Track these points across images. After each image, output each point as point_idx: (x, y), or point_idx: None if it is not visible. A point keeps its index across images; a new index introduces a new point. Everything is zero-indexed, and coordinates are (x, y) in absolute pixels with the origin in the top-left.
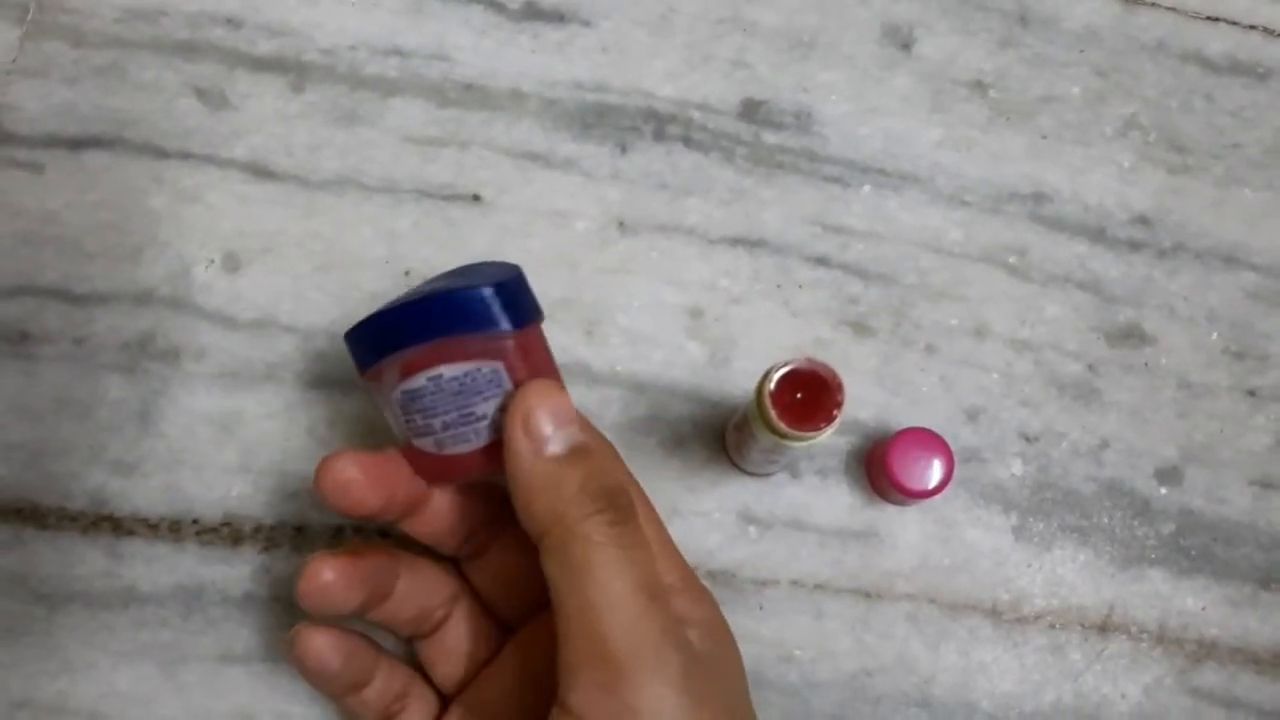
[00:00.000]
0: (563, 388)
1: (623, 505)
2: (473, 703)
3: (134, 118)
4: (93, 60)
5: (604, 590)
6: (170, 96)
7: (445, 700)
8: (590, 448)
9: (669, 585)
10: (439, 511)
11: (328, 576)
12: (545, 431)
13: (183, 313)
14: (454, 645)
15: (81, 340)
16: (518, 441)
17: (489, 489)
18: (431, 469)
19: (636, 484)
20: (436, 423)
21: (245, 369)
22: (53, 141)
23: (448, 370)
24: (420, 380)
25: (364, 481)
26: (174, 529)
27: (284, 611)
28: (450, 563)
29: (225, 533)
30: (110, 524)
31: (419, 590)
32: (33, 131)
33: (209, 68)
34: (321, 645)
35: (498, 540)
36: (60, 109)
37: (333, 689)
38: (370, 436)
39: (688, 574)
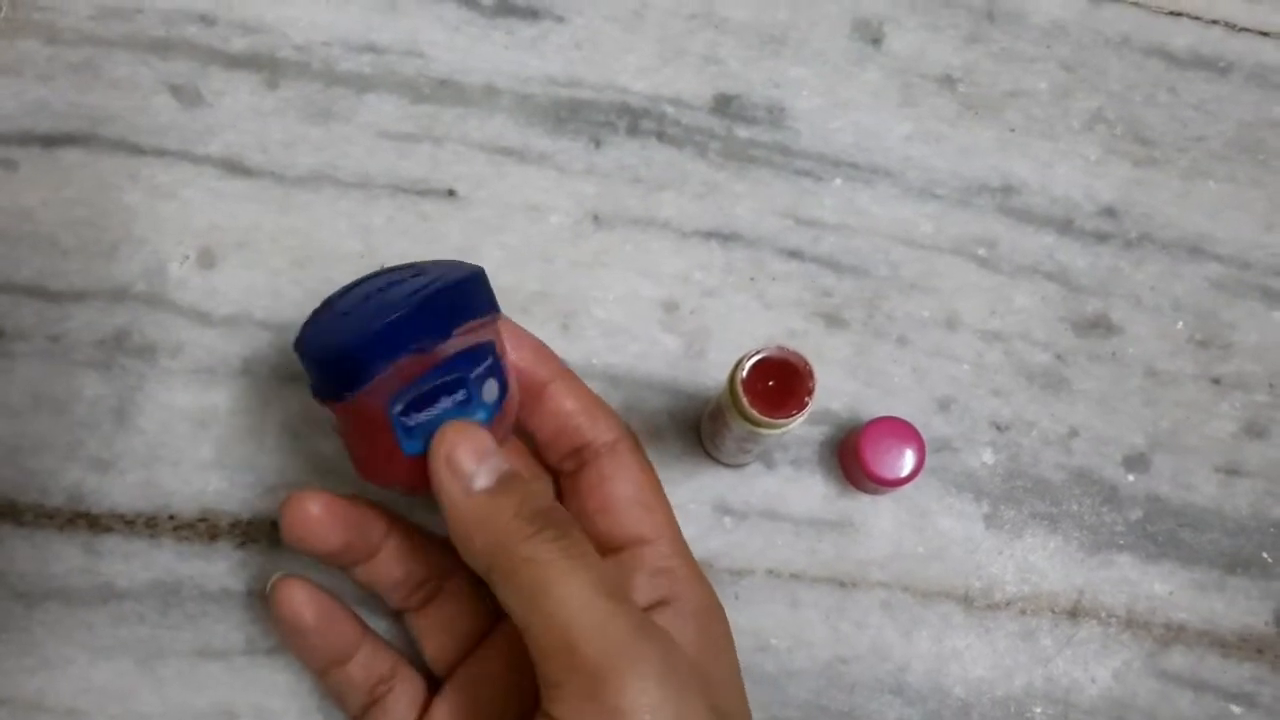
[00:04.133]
0: (479, 425)
1: (560, 520)
2: (464, 683)
3: (109, 115)
4: (67, 57)
5: (564, 604)
6: (145, 93)
7: (434, 684)
8: (517, 475)
9: (668, 568)
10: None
11: (313, 510)
12: (469, 468)
13: (158, 309)
14: (446, 621)
15: (57, 337)
16: (446, 483)
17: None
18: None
19: (651, 468)
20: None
21: (221, 365)
22: (27, 139)
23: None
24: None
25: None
26: (151, 525)
27: (261, 606)
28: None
29: (202, 528)
30: (87, 521)
31: (408, 555)
32: (7, 129)
33: (183, 65)
34: (298, 597)
35: (442, 591)
36: (34, 106)
37: (313, 658)
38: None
39: (686, 556)
